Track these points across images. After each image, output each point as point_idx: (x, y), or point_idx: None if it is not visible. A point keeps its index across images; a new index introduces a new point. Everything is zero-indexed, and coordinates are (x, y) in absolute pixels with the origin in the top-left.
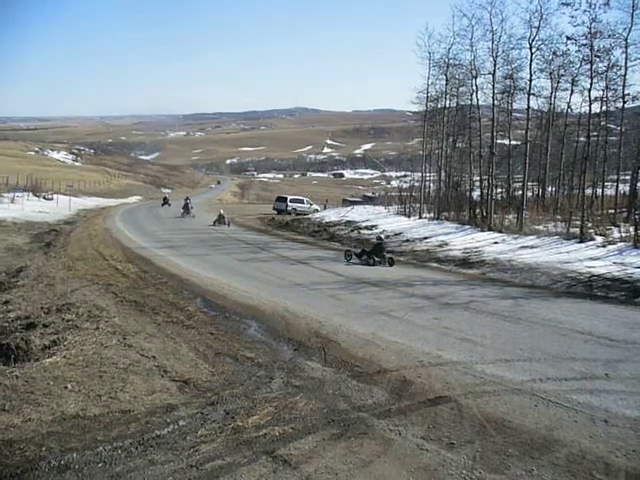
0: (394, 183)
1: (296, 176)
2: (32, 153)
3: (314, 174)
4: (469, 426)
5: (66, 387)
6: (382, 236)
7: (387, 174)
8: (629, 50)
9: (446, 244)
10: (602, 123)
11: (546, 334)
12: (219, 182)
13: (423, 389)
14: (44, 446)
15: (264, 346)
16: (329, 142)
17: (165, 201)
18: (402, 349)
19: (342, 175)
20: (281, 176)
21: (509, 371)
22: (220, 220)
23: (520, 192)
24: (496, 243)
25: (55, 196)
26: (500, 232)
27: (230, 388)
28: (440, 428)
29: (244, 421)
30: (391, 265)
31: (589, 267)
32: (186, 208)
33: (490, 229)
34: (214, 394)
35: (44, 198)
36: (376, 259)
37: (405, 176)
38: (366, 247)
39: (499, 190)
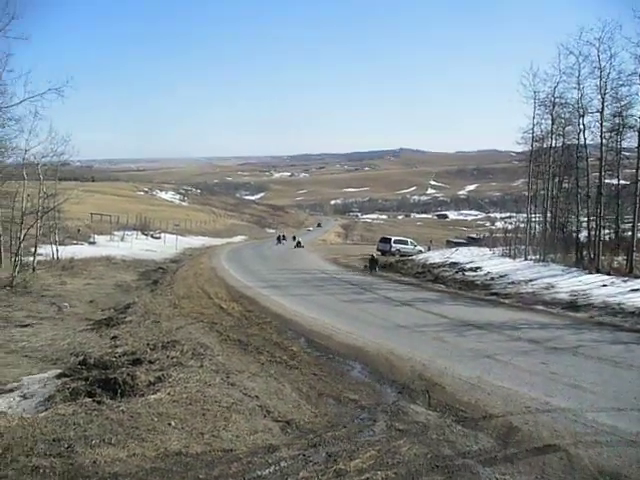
0: (498, 224)
1: (400, 217)
2: (141, 193)
3: (418, 215)
4: (580, 478)
5: (170, 424)
6: (300, 240)
7: (491, 215)
8: None
9: (552, 286)
10: None
11: None
12: (319, 225)
13: (530, 436)
14: None
15: (367, 388)
16: (433, 183)
17: (279, 240)
18: (508, 394)
19: (446, 216)
20: (385, 217)
21: (622, 421)
22: (298, 245)
23: (630, 233)
24: (605, 286)
25: (162, 235)
26: (608, 274)
27: (333, 430)
28: (549, 479)
29: (346, 464)
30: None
31: None
32: (279, 239)
33: (598, 271)
34: (316, 436)
35: (152, 237)
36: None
37: (510, 217)
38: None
39: (607, 231)
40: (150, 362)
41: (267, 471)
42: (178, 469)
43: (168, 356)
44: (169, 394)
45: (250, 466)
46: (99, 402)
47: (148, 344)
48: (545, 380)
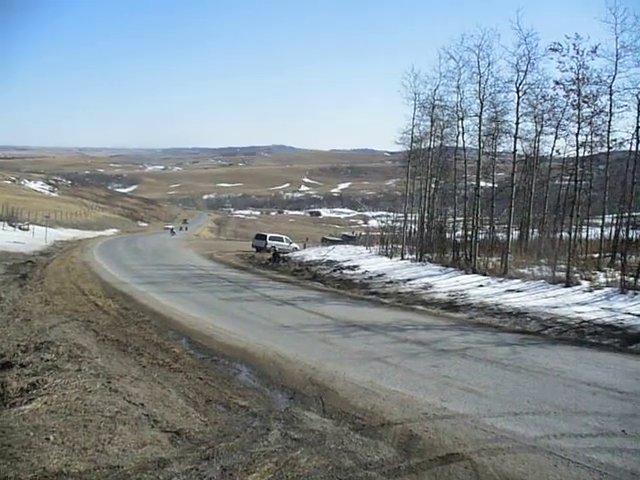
0: (372, 222)
1: (273, 213)
2: (8, 182)
3: (291, 212)
4: None
5: (48, 438)
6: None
7: (364, 213)
8: (613, 97)
9: (430, 286)
10: (583, 169)
11: (551, 385)
12: (185, 221)
13: (432, 445)
14: None
15: (257, 393)
16: (306, 180)
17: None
18: (403, 399)
19: (319, 214)
20: (258, 213)
21: (520, 426)
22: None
23: (504, 235)
24: (481, 286)
25: (31, 226)
26: (484, 275)
27: (225, 440)
28: None
29: (244, 479)
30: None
31: (578, 312)
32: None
33: (474, 272)
34: (209, 447)
35: (20, 228)
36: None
37: (385, 216)
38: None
39: (481, 232)
40: (22, 366)
41: None
42: None
43: (42, 359)
44: (46, 403)
45: None
46: None
47: (19, 345)
48: (439, 384)
